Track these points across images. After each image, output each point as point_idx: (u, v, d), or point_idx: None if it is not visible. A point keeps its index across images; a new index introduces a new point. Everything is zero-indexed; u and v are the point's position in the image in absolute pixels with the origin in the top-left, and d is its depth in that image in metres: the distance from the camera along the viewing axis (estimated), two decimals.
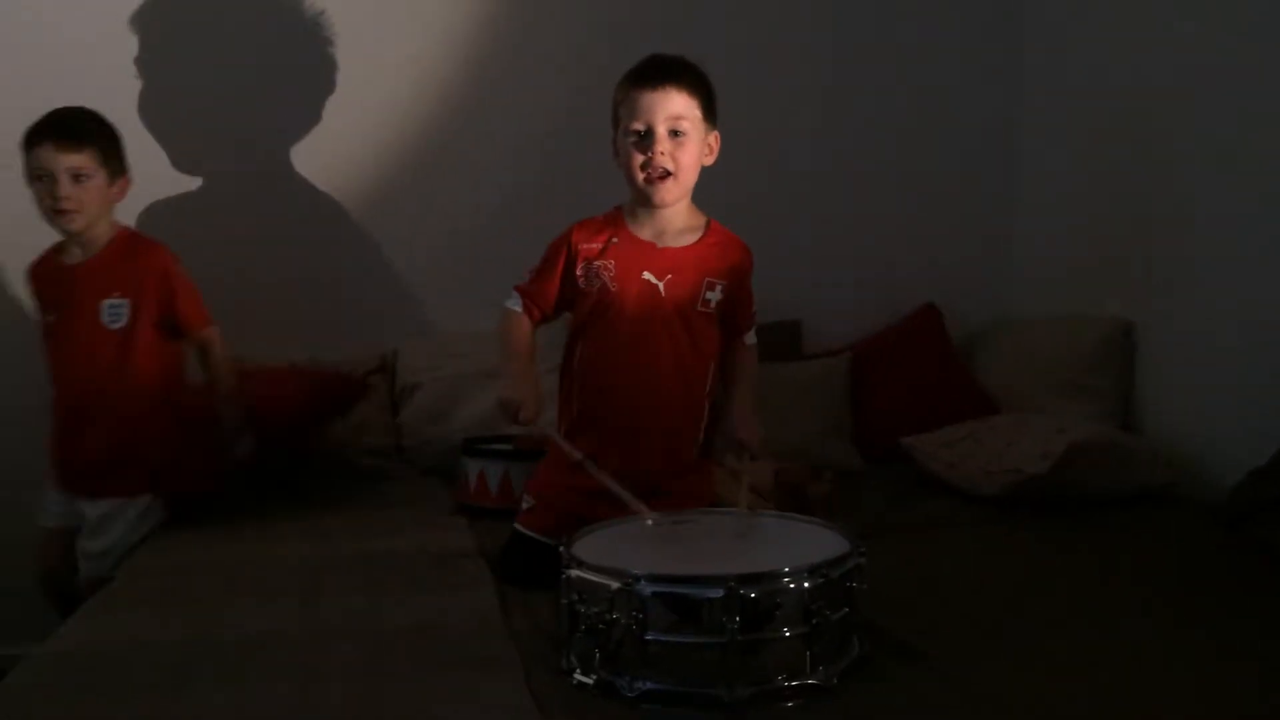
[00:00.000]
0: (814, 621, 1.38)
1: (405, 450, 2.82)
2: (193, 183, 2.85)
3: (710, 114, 1.95)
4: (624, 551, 1.53)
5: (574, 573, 1.46)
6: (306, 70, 2.90)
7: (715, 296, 1.94)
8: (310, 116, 2.90)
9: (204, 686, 1.45)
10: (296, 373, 2.59)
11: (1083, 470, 2.35)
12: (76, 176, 2.21)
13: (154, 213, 2.76)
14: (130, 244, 2.36)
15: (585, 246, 1.96)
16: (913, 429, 2.72)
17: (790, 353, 3.06)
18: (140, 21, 2.79)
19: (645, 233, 1.96)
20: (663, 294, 1.91)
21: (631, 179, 1.92)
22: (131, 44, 2.78)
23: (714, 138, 1.97)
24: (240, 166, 2.90)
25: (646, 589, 1.38)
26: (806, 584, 1.38)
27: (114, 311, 2.24)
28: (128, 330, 2.26)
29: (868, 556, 1.49)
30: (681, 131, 1.88)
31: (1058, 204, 3.17)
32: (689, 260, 1.94)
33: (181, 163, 2.82)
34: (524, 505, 2.01)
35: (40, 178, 2.21)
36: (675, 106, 1.87)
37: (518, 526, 1.98)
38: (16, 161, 2.29)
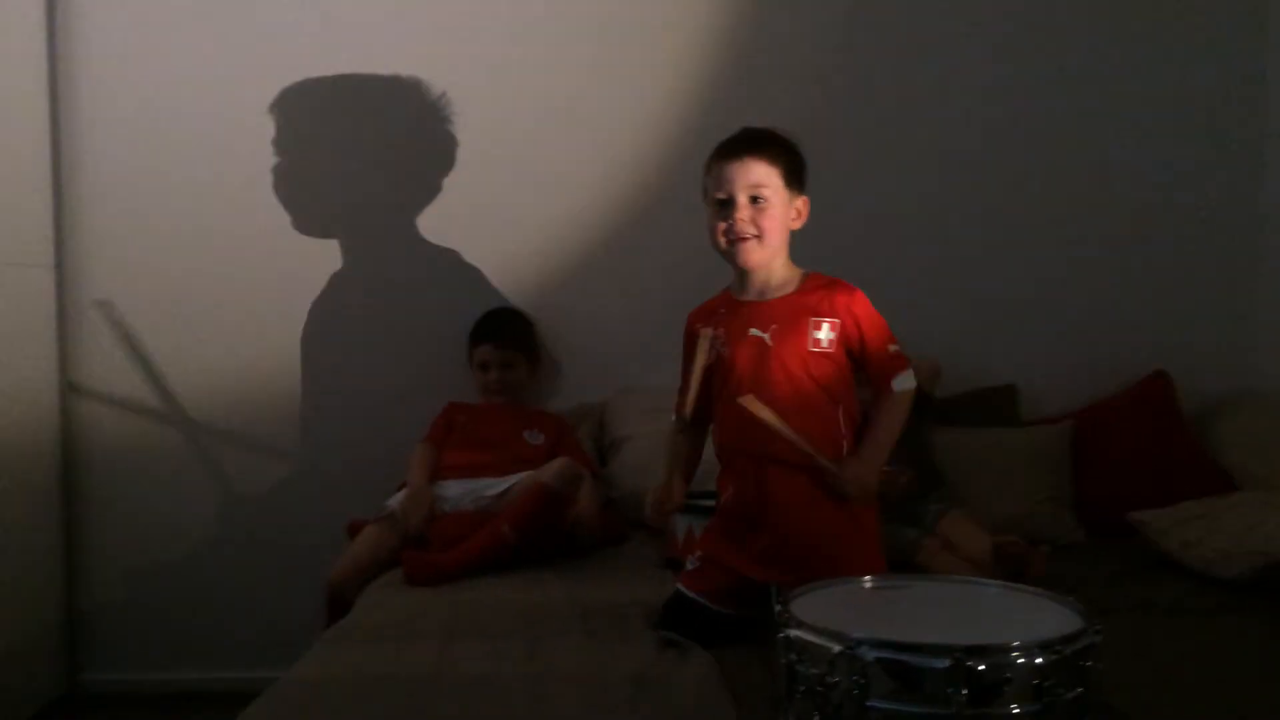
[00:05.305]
0: (1045, 700, 1.32)
1: (613, 502, 2.88)
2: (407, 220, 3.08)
3: (794, 181, 1.99)
4: (844, 613, 1.50)
5: (793, 632, 1.45)
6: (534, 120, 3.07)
7: (826, 335, 1.93)
8: (530, 168, 3.06)
9: None
10: None
11: None
12: (506, 365, 2.92)
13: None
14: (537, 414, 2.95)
15: (700, 327, 2.04)
16: (1140, 503, 2.58)
17: (1006, 419, 2.97)
18: None
19: (749, 295, 2.01)
20: (769, 343, 1.94)
21: (715, 244, 1.99)
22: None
23: (801, 202, 2.00)
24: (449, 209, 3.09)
25: (869, 654, 1.35)
26: (1039, 660, 1.32)
27: (532, 436, 2.83)
28: (542, 449, 2.79)
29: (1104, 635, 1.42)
30: (762, 198, 1.94)
31: None
32: (789, 307, 1.96)
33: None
34: (688, 564, 2.02)
35: (480, 365, 2.93)
36: (755, 175, 1.94)
37: (680, 587, 1.99)
38: None
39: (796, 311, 1.95)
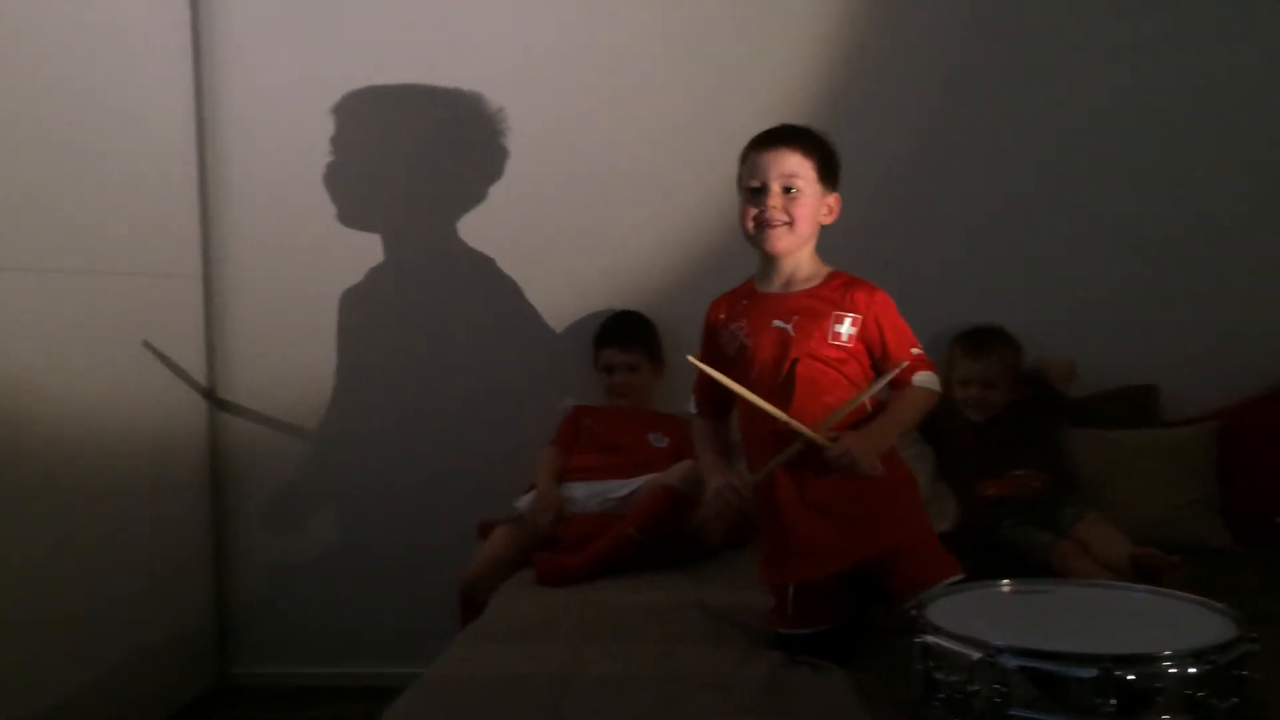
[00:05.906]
0: (1199, 711, 1.28)
1: None
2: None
3: (826, 176, 2.00)
4: (983, 619, 1.48)
5: (930, 639, 1.43)
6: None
7: (847, 330, 1.94)
8: (655, 175, 3.08)
9: None
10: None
11: None
12: (631, 368, 2.92)
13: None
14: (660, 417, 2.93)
15: (720, 318, 2.05)
16: None
17: (1147, 419, 2.87)
18: None
19: (773, 287, 2.02)
20: (793, 334, 1.94)
21: (744, 231, 2.01)
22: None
23: (833, 199, 2.02)
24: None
25: (1010, 662, 1.32)
26: (1192, 669, 1.28)
27: (656, 439, 2.83)
28: (666, 451, 2.78)
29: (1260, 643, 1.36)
30: (794, 188, 1.96)
31: None
32: (814, 300, 1.98)
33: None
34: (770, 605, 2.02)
35: (605, 368, 2.95)
36: (788, 165, 1.96)
37: (779, 631, 1.97)
38: None
39: (820, 304, 1.97)
